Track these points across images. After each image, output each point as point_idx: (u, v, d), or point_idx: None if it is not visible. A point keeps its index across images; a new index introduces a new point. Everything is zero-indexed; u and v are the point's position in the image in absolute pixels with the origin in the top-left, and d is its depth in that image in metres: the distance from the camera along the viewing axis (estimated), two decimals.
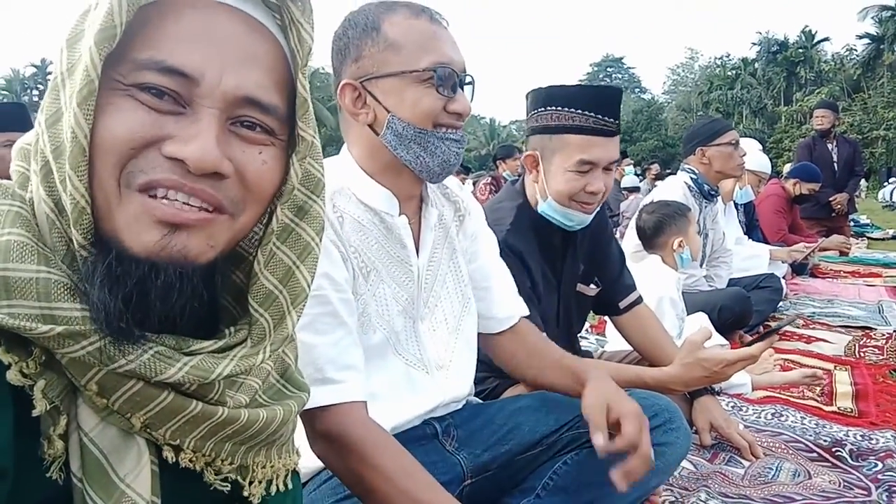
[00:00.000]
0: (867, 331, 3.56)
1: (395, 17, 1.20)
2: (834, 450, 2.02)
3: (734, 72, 53.18)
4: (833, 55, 48.26)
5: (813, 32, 49.80)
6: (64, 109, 0.60)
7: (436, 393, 1.36)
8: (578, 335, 2.27)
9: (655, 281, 2.62)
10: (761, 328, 3.57)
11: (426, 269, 1.35)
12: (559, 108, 1.74)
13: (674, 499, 1.72)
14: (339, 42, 1.25)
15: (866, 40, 42.99)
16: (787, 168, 7.39)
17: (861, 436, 2.12)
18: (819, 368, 2.70)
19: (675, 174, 3.69)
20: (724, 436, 2.01)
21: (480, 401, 1.58)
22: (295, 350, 0.86)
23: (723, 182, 3.64)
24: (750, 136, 5.11)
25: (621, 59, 66.35)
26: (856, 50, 45.21)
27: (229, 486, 0.71)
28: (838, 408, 2.43)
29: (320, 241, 0.75)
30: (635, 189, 9.74)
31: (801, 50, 48.97)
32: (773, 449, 2.03)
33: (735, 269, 3.75)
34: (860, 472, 1.87)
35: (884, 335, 3.45)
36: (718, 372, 1.66)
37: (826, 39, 49.78)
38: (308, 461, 1.16)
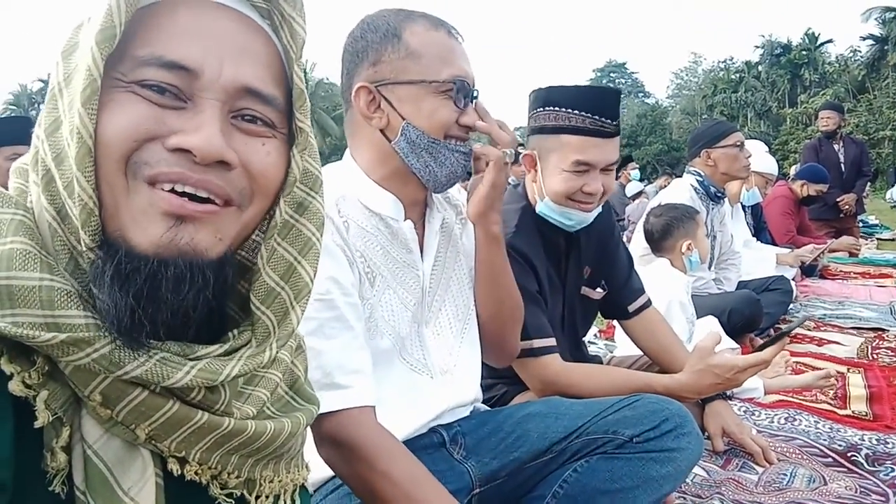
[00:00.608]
0: (879, 332, 3.52)
1: (416, 27, 1.21)
2: (849, 455, 1.99)
3: (738, 75, 53.15)
4: (837, 57, 48.21)
5: (816, 34, 49.74)
6: (63, 117, 0.60)
7: (441, 398, 1.34)
8: (585, 340, 2.24)
9: (664, 284, 2.60)
10: (772, 331, 3.54)
11: (430, 274, 1.35)
12: (557, 109, 1.73)
13: None
14: (356, 44, 1.25)
15: (870, 41, 42.88)
16: (793, 170, 7.34)
17: (877, 440, 2.09)
18: (832, 371, 2.64)
19: (680, 177, 3.67)
20: (736, 441, 1.98)
21: (488, 408, 1.56)
22: (304, 362, 0.85)
23: (729, 184, 3.61)
24: (755, 139, 5.06)
25: (624, 64, 66.45)
26: (860, 51, 45.19)
27: (234, 501, 0.70)
28: (853, 411, 2.39)
29: (321, 236, 0.75)
30: (639, 193, 9.68)
31: (804, 52, 48.91)
32: (787, 454, 2.00)
33: (744, 272, 3.71)
34: (877, 478, 1.84)
35: None
36: (730, 378, 1.64)
37: (830, 41, 49.72)
38: (315, 471, 1.14)
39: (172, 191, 0.60)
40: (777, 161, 4.60)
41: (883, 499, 1.72)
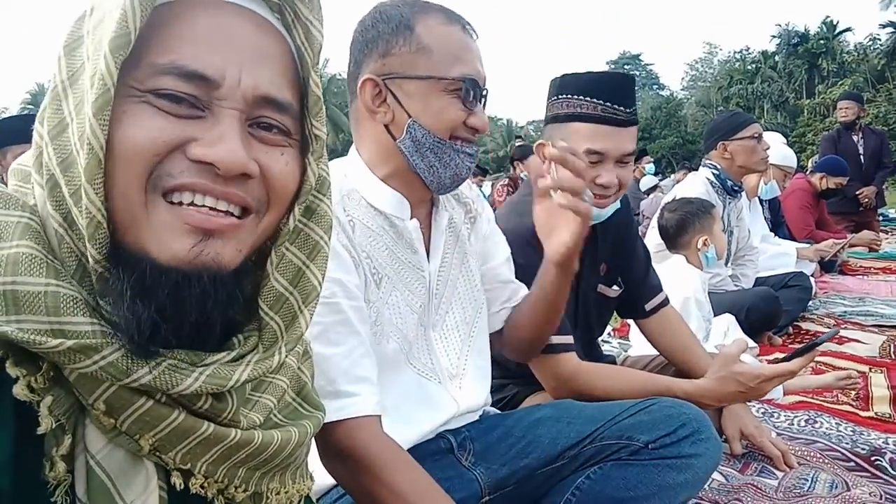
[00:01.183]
0: None
1: (430, 21, 1.17)
2: (873, 459, 1.92)
3: (754, 66, 52.67)
4: (856, 45, 47.62)
5: (834, 23, 49.14)
6: (69, 120, 0.59)
7: (449, 404, 1.31)
8: (599, 339, 2.20)
9: (680, 281, 2.55)
10: (791, 329, 3.47)
11: (437, 275, 1.31)
12: (569, 97, 1.68)
13: None
14: (367, 33, 1.20)
15: (890, 29, 42.23)
16: (811, 163, 7.22)
17: None
18: (853, 371, 2.59)
19: (695, 170, 3.60)
20: (755, 444, 1.92)
21: (498, 411, 1.52)
22: (311, 368, 0.84)
23: (747, 177, 3.54)
24: (772, 131, 4.98)
25: (638, 55, 65.97)
26: (879, 40, 44.55)
27: None
28: (875, 413, 2.32)
29: (329, 239, 0.74)
30: (654, 188, 9.57)
31: (822, 41, 48.34)
32: (808, 458, 1.94)
33: (761, 268, 3.65)
34: None
35: None
36: (754, 388, 1.59)
37: (848, 30, 49.12)
38: (318, 479, 1.11)
39: (192, 204, 0.60)
40: (795, 153, 4.51)
41: None
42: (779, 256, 3.97)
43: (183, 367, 0.60)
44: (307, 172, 0.69)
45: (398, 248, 1.25)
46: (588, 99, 1.65)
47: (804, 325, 3.58)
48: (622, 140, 1.67)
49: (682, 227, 2.74)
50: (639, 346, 2.41)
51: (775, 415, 2.32)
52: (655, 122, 51.24)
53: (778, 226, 4.67)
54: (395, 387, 1.21)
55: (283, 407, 0.75)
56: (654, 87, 66.72)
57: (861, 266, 5.39)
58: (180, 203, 0.60)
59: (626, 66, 65.53)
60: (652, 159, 11.71)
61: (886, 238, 7.03)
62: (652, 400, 1.40)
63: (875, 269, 5.27)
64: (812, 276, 4.12)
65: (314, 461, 1.05)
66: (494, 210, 1.80)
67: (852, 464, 1.91)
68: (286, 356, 0.70)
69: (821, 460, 1.92)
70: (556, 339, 1.63)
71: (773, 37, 53.05)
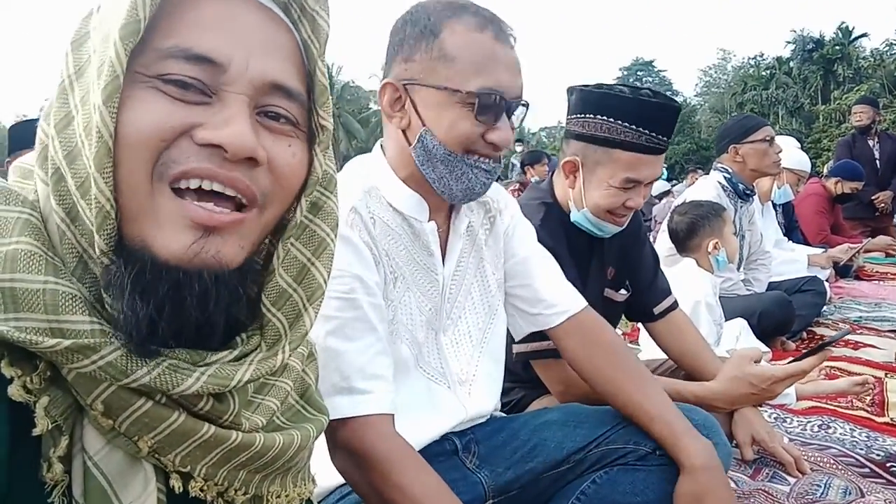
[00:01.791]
0: None
1: (458, 26, 1.11)
2: (888, 465, 1.89)
3: (768, 71, 52.33)
4: (872, 51, 47.17)
5: (850, 28, 48.75)
6: (75, 112, 0.58)
7: (457, 410, 1.29)
8: None
9: (690, 285, 2.53)
10: (804, 334, 3.42)
11: (451, 279, 1.29)
12: (610, 120, 1.65)
13: None
14: (396, 35, 1.18)
15: None
16: (826, 168, 7.15)
17: None
18: (869, 376, 2.55)
19: (707, 174, 3.58)
20: (767, 450, 1.89)
21: (504, 414, 1.50)
22: (316, 370, 0.83)
23: (759, 181, 3.51)
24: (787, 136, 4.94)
25: (651, 62, 65.62)
26: None
27: None
28: (891, 419, 2.28)
29: (335, 236, 0.73)
30: (667, 193, 9.52)
31: (837, 47, 47.97)
32: (821, 464, 1.91)
33: (773, 273, 3.60)
34: None
35: None
36: (766, 389, 1.57)
37: (864, 35, 48.68)
38: (324, 479, 1.11)
39: (199, 189, 0.59)
40: (809, 159, 4.46)
41: None
42: (789, 263, 3.91)
43: (184, 367, 0.59)
44: (314, 164, 0.69)
45: (415, 249, 1.24)
46: (634, 127, 1.63)
47: (818, 331, 3.53)
48: (657, 167, 1.69)
49: (693, 230, 2.71)
50: (648, 350, 2.38)
51: (787, 420, 2.28)
52: None
53: (791, 230, 4.61)
54: (403, 389, 1.20)
55: (286, 409, 0.74)
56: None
57: (877, 271, 5.31)
58: (187, 189, 0.59)
59: (638, 73, 65.31)
60: (665, 165, 11.66)
61: None
62: None
63: (891, 274, 5.20)
64: (827, 281, 4.07)
65: (316, 463, 1.04)
66: None
67: (867, 470, 1.88)
68: (290, 355, 0.69)
69: (834, 466, 1.89)
70: None
71: (788, 42, 52.73)
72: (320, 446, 1.06)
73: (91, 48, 0.59)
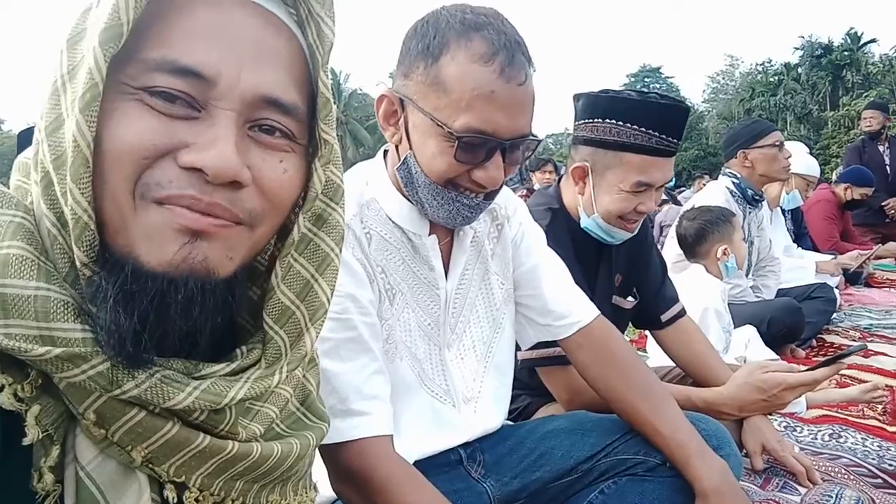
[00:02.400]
0: None
1: (461, 53, 1.02)
2: None
3: (776, 77, 52.22)
4: (881, 57, 47.00)
5: (859, 34, 48.61)
6: (65, 116, 0.56)
7: (463, 429, 1.26)
8: None
9: (699, 291, 2.50)
10: (814, 342, 3.39)
11: (455, 293, 1.26)
12: (619, 123, 1.63)
13: None
14: (406, 44, 1.11)
15: None
16: (835, 175, 7.09)
17: None
18: (880, 384, 2.50)
19: (715, 179, 3.55)
20: (777, 459, 1.86)
21: (510, 422, 1.48)
22: (317, 375, 0.81)
23: (768, 186, 3.48)
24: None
25: (659, 68, 65.59)
26: None
27: None
28: None
29: (340, 251, 0.71)
30: (667, 200, 9.44)
31: (846, 53, 47.85)
32: (832, 474, 1.88)
33: (782, 280, 3.56)
34: None
35: None
36: (776, 395, 1.55)
37: (873, 41, 48.58)
38: (326, 488, 1.09)
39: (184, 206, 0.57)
40: (819, 165, 4.42)
41: None
42: (797, 270, 3.87)
43: (176, 380, 0.57)
44: (312, 179, 0.65)
45: (415, 263, 1.20)
46: (644, 130, 1.61)
47: (828, 338, 3.49)
48: (668, 169, 1.67)
49: (701, 235, 2.69)
50: (656, 357, 2.36)
51: (798, 429, 2.25)
52: None
53: (801, 237, 4.57)
54: (406, 409, 1.17)
55: (286, 416, 0.72)
56: None
57: (887, 279, 5.25)
58: (170, 206, 0.56)
59: (646, 79, 65.27)
60: (672, 172, 11.59)
61: None
62: None
63: None
64: (837, 288, 4.02)
65: (318, 472, 1.02)
66: None
67: (879, 480, 1.84)
68: (287, 375, 0.67)
69: (846, 476, 1.86)
70: None
71: (797, 48, 52.68)
72: (320, 457, 1.05)
73: (85, 47, 0.56)
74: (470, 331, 1.29)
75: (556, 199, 1.85)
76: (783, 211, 4.18)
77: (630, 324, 2.12)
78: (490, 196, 1.13)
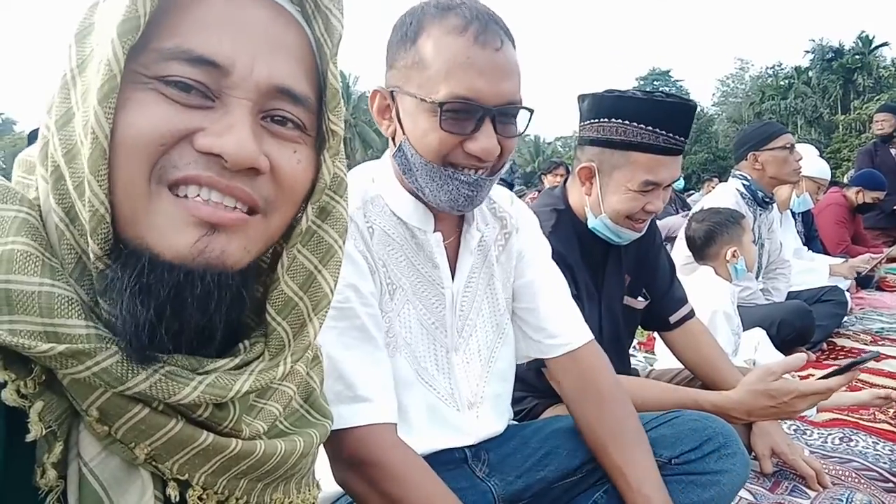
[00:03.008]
0: None
1: (435, 30, 1.05)
2: None
3: (787, 81, 52.00)
4: (893, 60, 46.76)
5: (870, 38, 48.30)
6: (76, 109, 0.56)
7: (466, 433, 1.26)
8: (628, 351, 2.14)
9: (708, 294, 2.48)
10: (825, 345, 3.35)
11: (462, 295, 1.25)
12: (625, 122, 1.62)
13: None
14: (389, 41, 1.14)
15: None
16: (846, 178, 7.04)
17: None
18: (891, 388, 2.48)
19: (725, 181, 3.53)
20: (787, 463, 1.84)
21: (516, 422, 1.47)
22: (321, 373, 0.81)
23: (778, 189, 3.45)
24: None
25: (668, 71, 65.37)
26: None
27: None
28: None
29: (343, 243, 0.71)
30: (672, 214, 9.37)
31: (857, 56, 47.57)
32: (843, 478, 1.85)
33: (792, 283, 3.53)
34: None
35: None
36: (787, 403, 1.53)
37: (885, 44, 48.22)
38: (329, 485, 1.08)
39: (199, 196, 0.57)
40: (829, 168, 4.39)
41: None
42: (809, 273, 3.84)
43: (181, 375, 0.57)
44: (322, 170, 0.66)
45: (418, 260, 1.20)
46: (650, 128, 1.60)
47: (839, 342, 3.46)
48: (675, 168, 1.66)
49: (711, 237, 2.67)
50: (665, 359, 2.34)
51: (808, 432, 2.23)
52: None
53: (811, 240, 4.53)
54: (404, 403, 1.17)
55: (289, 414, 0.72)
56: None
57: None
58: (185, 196, 0.57)
59: (655, 83, 65.08)
60: (682, 175, 11.56)
61: None
62: (675, 413, 1.34)
63: None
64: (848, 291, 3.99)
65: (321, 468, 1.02)
66: None
67: (890, 484, 1.82)
68: (292, 366, 0.67)
69: (857, 480, 1.84)
70: None
71: (807, 52, 52.43)
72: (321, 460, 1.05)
73: (94, 41, 0.57)
74: (476, 335, 1.28)
75: (562, 200, 1.83)
76: (794, 214, 4.15)
77: (639, 325, 2.11)
78: (493, 172, 1.11)
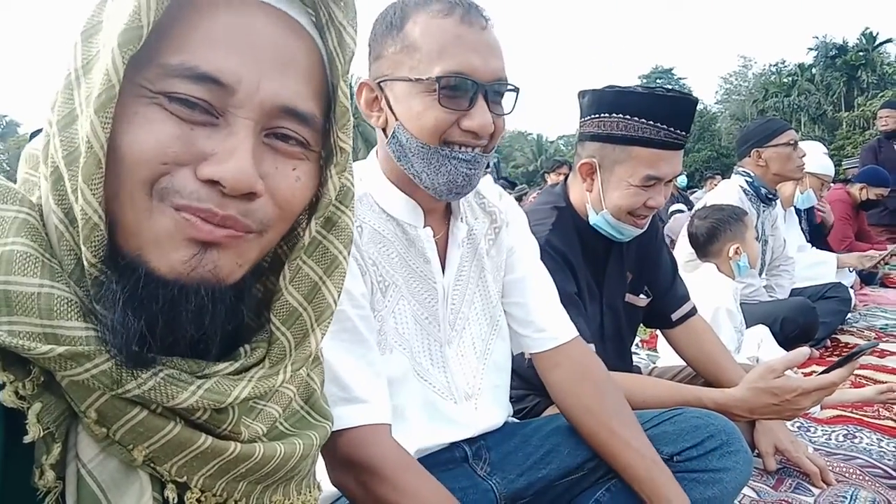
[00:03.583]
0: None
1: (421, 16, 1.07)
2: None
3: (790, 78, 51.91)
4: None
5: (874, 34, 48.15)
6: (79, 112, 0.56)
7: (465, 425, 1.25)
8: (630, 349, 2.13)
9: (711, 291, 2.47)
10: (828, 342, 3.34)
11: (453, 289, 1.25)
12: (627, 117, 1.61)
13: None
14: (372, 35, 1.15)
15: None
16: (850, 174, 7.01)
17: None
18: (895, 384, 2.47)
19: (728, 178, 3.52)
20: (790, 460, 1.83)
21: (517, 420, 1.46)
22: (321, 374, 0.81)
23: (782, 186, 3.44)
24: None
25: (671, 69, 65.31)
26: None
27: None
28: None
29: (348, 254, 0.71)
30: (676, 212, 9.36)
31: (861, 53, 47.45)
32: (847, 475, 1.85)
33: (798, 278, 3.53)
34: None
35: None
36: (790, 401, 1.51)
37: (889, 41, 48.09)
38: (325, 488, 1.07)
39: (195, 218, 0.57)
40: (833, 165, 4.36)
41: None
42: (817, 266, 3.82)
43: (180, 379, 0.57)
44: (327, 185, 0.66)
45: (410, 256, 1.20)
46: (651, 123, 1.59)
47: (843, 339, 3.45)
48: (677, 163, 1.65)
49: (713, 234, 2.66)
50: (667, 357, 2.34)
51: (812, 429, 2.22)
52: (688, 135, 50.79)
53: (815, 237, 4.51)
54: (399, 400, 1.16)
55: (289, 415, 0.71)
56: None
57: None
58: (185, 218, 0.57)
59: (658, 80, 64.99)
60: (685, 172, 11.55)
61: None
62: (677, 410, 1.34)
63: None
64: (852, 287, 3.97)
65: (321, 469, 1.01)
66: None
67: (895, 481, 1.81)
68: (292, 374, 0.67)
69: (861, 477, 1.83)
70: None
71: (811, 49, 52.34)
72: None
73: (101, 41, 0.56)
74: (469, 327, 1.28)
75: (563, 198, 1.83)
76: (797, 210, 4.14)
77: (641, 323, 2.10)
78: (487, 149, 1.12)
